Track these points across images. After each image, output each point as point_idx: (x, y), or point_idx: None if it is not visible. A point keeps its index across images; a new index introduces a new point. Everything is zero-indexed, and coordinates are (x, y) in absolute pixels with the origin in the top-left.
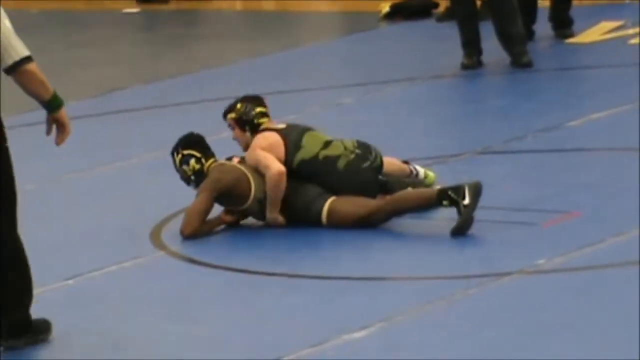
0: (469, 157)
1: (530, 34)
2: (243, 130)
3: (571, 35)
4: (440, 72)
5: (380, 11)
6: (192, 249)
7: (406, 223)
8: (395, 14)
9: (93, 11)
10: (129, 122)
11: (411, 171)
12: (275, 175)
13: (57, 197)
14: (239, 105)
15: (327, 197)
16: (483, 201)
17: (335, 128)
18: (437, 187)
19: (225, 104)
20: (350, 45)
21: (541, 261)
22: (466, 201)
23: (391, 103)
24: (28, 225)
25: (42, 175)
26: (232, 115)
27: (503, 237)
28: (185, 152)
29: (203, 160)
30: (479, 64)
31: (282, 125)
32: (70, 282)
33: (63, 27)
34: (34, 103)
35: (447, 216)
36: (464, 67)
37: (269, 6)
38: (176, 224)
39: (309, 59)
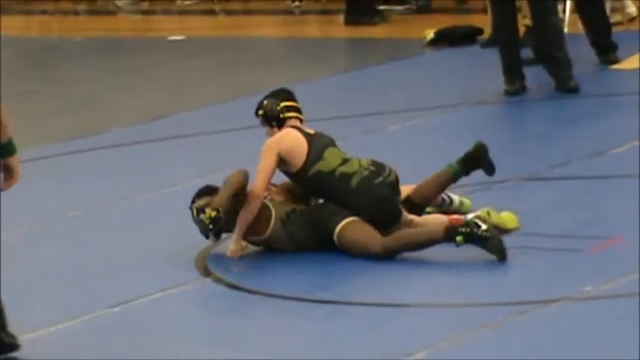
0: (514, 183)
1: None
2: (271, 126)
3: (616, 61)
4: (484, 98)
5: (425, 37)
6: (237, 275)
7: (452, 249)
8: (440, 40)
9: (138, 38)
10: (174, 148)
11: (443, 200)
12: (255, 193)
13: (103, 223)
14: (266, 102)
15: (344, 215)
16: (528, 228)
17: (380, 154)
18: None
19: None
20: (395, 71)
21: (587, 288)
22: (484, 227)
23: (436, 129)
24: (74, 251)
25: (88, 201)
26: (260, 112)
27: (548, 263)
28: (200, 203)
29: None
30: (522, 89)
31: (311, 131)
32: (116, 309)
33: (108, 54)
34: (79, 130)
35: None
36: (507, 93)
37: (313, 32)
38: (221, 250)
39: (354, 85)
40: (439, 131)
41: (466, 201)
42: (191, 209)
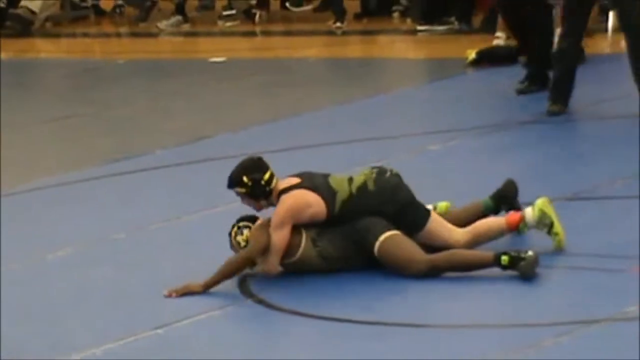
0: (557, 203)
1: (545, 80)
2: (256, 200)
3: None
4: (526, 117)
5: (467, 57)
6: (279, 297)
7: (492, 271)
8: (482, 60)
9: (179, 60)
10: (216, 170)
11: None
12: (271, 271)
13: (146, 245)
14: (245, 179)
15: (384, 228)
16: (571, 247)
17: (422, 174)
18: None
19: (312, 152)
20: (436, 91)
21: (630, 308)
22: (530, 253)
23: (477, 149)
24: (117, 273)
25: (131, 224)
26: (241, 190)
27: (591, 283)
28: (241, 224)
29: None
30: (564, 109)
31: (297, 180)
32: (159, 331)
33: (150, 77)
34: (122, 152)
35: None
36: (550, 113)
37: (354, 52)
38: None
39: (396, 105)
40: (481, 151)
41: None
42: (230, 234)
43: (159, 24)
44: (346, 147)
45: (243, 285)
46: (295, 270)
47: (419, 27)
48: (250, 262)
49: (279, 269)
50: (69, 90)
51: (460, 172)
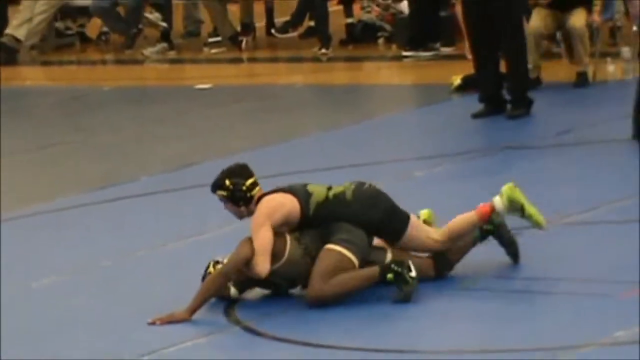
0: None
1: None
2: (237, 205)
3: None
4: (511, 143)
5: (452, 84)
6: (266, 324)
7: (481, 295)
8: (467, 86)
9: (165, 86)
10: (203, 197)
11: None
12: (263, 275)
13: (133, 272)
14: (227, 182)
15: (336, 239)
16: (558, 272)
17: (408, 200)
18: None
19: (300, 178)
20: (422, 117)
21: (618, 333)
22: (413, 273)
23: (464, 175)
24: (104, 300)
25: (117, 250)
26: (222, 192)
27: (579, 308)
28: (218, 259)
29: None
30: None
31: (280, 186)
32: (145, 358)
33: (136, 104)
34: (108, 179)
35: (519, 288)
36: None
37: (340, 79)
38: (251, 298)
39: (382, 131)
40: (467, 177)
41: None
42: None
43: (144, 51)
44: (333, 173)
45: (229, 312)
46: (285, 277)
47: (405, 53)
48: (227, 277)
49: (268, 268)
50: (55, 117)
51: (446, 198)
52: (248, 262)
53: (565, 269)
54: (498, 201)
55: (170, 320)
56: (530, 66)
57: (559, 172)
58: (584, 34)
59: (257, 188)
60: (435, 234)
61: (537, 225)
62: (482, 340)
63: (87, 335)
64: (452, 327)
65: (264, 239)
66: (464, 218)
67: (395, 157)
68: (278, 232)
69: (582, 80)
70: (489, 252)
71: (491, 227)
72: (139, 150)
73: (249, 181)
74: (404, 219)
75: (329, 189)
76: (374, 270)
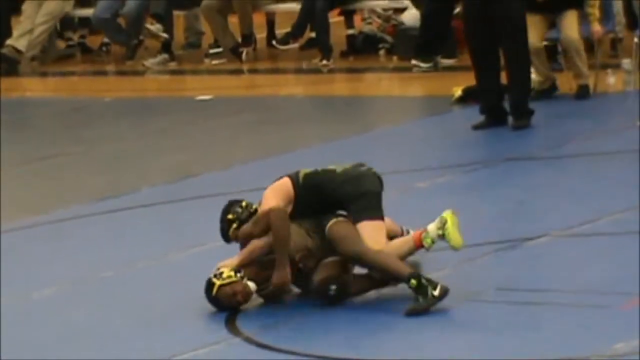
0: (544, 240)
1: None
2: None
3: (525, 126)
4: (513, 154)
5: (453, 95)
6: (267, 335)
7: (482, 306)
8: (468, 97)
9: (166, 98)
10: (203, 208)
11: (402, 232)
12: (277, 211)
13: (134, 283)
14: (230, 216)
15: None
16: (559, 284)
17: (410, 212)
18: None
19: None
20: (423, 128)
21: (618, 345)
22: (436, 292)
23: (465, 186)
24: (105, 312)
25: (118, 261)
26: (233, 227)
27: (579, 320)
28: (216, 272)
29: None
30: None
31: None
32: None
33: (136, 115)
34: (109, 190)
35: (519, 300)
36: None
37: (341, 90)
38: (251, 310)
39: (382, 143)
40: (468, 189)
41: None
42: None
43: (145, 62)
44: None
45: (230, 323)
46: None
47: (414, 62)
48: (281, 210)
49: (287, 216)
50: (56, 128)
51: (447, 210)
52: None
53: (565, 280)
54: (431, 225)
55: (277, 288)
56: (541, 79)
57: (560, 184)
58: (580, 46)
59: (254, 205)
60: (376, 245)
61: (453, 245)
62: (483, 351)
63: (87, 346)
64: (454, 338)
65: (278, 214)
66: (403, 240)
67: (396, 168)
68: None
69: (583, 92)
70: (489, 264)
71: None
72: (140, 161)
73: (244, 203)
74: (373, 212)
75: (324, 167)
76: (405, 271)
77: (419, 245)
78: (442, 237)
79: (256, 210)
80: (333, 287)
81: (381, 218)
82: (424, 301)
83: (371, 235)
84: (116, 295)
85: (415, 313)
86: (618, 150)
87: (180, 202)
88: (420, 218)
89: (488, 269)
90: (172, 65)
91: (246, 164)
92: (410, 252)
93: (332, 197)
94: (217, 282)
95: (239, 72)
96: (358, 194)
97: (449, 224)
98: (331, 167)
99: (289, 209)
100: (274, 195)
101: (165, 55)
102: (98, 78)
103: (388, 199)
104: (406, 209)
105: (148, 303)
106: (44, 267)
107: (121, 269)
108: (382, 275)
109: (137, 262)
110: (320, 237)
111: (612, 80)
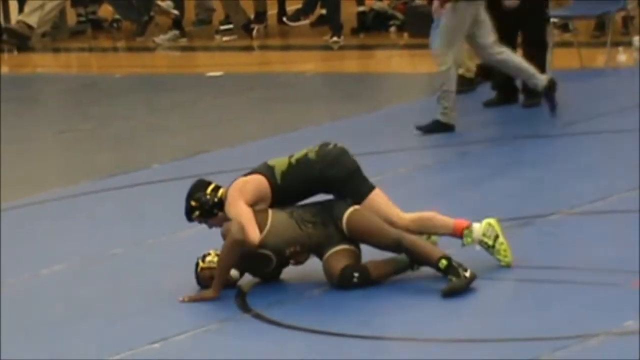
0: (556, 218)
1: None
2: (214, 215)
3: (537, 105)
4: (523, 132)
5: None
6: (277, 311)
7: (492, 284)
8: (479, 75)
9: (177, 75)
10: None
11: None
12: (254, 245)
13: (144, 260)
14: (193, 203)
15: (348, 206)
16: (569, 262)
17: (420, 190)
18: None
19: None
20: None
21: (628, 322)
22: (467, 274)
23: (475, 164)
24: (114, 289)
25: (127, 239)
26: (195, 214)
27: (590, 298)
28: (202, 255)
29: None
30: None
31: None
32: (156, 345)
33: (147, 91)
34: (119, 167)
35: (529, 277)
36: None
37: (351, 67)
38: (260, 287)
39: (393, 120)
40: (478, 166)
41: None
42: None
43: (156, 39)
44: None
45: (241, 300)
46: (273, 247)
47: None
48: (238, 243)
49: (257, 234)
50: (66, 105)
51: (457, 188)
52: (238, 239)
53: (576, 258)
54: (477, 225)
55: (201, 299)
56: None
57: (571, 161)
58: None
59: (221, 190)
60: (401, 214)
61: (503, 262)
62: (493, 329)
63: (97, 323)
64: (463, 317)
65: (242, 211)
66: (441, 218)
67: (406, 145)
68: (258, 209)
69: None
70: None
71: (445, 264)
72: (150, 138)
73: (209, 189)
74: (367, 184)
75: (291, 156)
76: (436, 253)
77: (458, 234)
78: (490, 248)
79: (221, 199)
80: (356, 274)
81: (374, 187)
82: (457, 280)
83: (384, 204)
84: (125, 273)
85: (453, 292)
86: (629, 128)
87: (190, 179)
88: (429, 195)
89: None
90: (183, 41)
91: (256, 141)
92: (443, 232)
93: (315, 184)
94: (200, 264)
95: (249, 48)
96: (344, 175)
97: (502, 239)
98: (298, 155)
99: (261, 206)
100: (241, 193)
101: (175, 32)
102: (108, 54)
103: (399, 176)
104: (416, 185)
105: (157, 280)
106: (53, 244)
107: (131, 246)
108: (412, 257)
109: (146, 239)
110: (314, 226)
111: (623, 57)
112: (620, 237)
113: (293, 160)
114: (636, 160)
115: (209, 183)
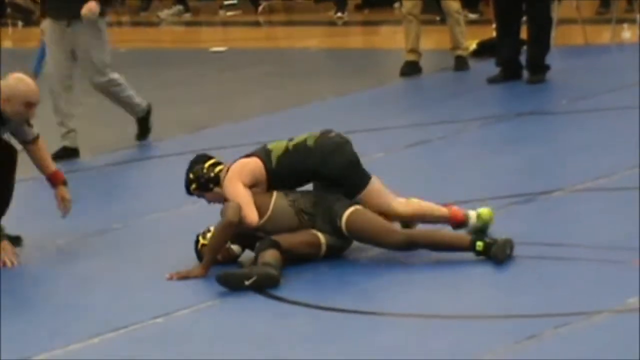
0: (558, 195)
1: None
2: (210, 190)
3: (542, 81)
4: (527, 109)
5: (467, 48)
6: (281, 288)
7: (493, 260)
8: (482, 51)
9: (181, 50)
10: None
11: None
12: (253, 225)
13: (145, 235)
14: (191, 176)
15: (347, 205)
16: (572, 239)
17: (423, 166)
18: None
19: None
20: (437, 82)
21: (631, 299)
22: (501, 238)
23: (478, 141)
24: (117, 263)
25: (128, 214)
26: (193, 187)
27: (592, 275)
28: (203, 231)
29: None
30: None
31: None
32: (159, 320)
33: (151, 66)
34: (123, 142)
35: (533, 254)
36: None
37: (355, 43)
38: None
39: (397, 96)
40: (482, 143)
41: (484, 210)
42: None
43: (160, 14)
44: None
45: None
46: (273, 230)
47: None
48: (232, 225)
49: (256, 216)
50: None
51: (461, 164)
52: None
53: (578, 235)
54: (473, 215)
55: (187, 276)
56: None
57: (575, 138)
58: (460, 17)
59: (220, 166)
60: (398, 205)
61: (484, 221)
62: (495, 306)
63: (100, 297)
64: (469, 293)
65: (239, 192)
66: (436, 207)
67: (410, 122)
68: (263, 192)
69: (460, 64)
70: (504, 218)
71: (482, 245)
72: (154, 112)
73: (208, 163)
74: (365, 176)
75: (290, 140)
76: (465, 239)
77: (452, 222)
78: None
79: (218, 175)
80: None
81: (370, 177)
82: (495, 247)
83: (383, 194)
84: (129, 247)
85: (502, 258)
86: (633, 105)
87: (195, 154)
88: (434, 171)
89: (502, 223)
90: (187, 16)
91: (260, 116)
92: (439, 221)
93: (314, 173)
94: (201, 241)
95: (253, 24)
96: (344, 166)
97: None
98: (298, 139)
99: (257, 189)
100: (240, 175)
101: (179, 7)
102: (113, 29)
103: (403, 152)
104: (420, 162)
105: (162, 254)
106: (55, 218)
107: (135, 220)
108: (434, 250)
109: (150, 214)
110: (311, 218)
111: (627, 34)
112: (622, 214)
113: (291, 145)
114: (638, 137)
115: (210, 158)
